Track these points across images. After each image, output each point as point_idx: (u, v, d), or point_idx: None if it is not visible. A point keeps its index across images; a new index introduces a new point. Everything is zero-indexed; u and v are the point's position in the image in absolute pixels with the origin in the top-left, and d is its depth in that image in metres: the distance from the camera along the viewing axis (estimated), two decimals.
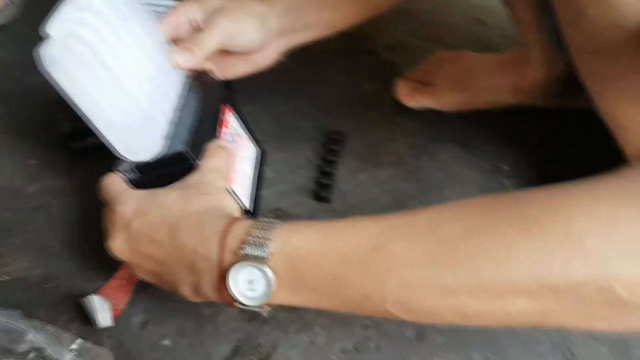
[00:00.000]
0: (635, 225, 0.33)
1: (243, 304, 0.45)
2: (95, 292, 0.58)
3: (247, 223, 0.46)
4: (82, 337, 0.53)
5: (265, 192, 0.70)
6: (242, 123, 0.65)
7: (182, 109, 0.56)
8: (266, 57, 0.67)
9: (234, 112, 0.63)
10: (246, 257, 0.43)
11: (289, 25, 0.65)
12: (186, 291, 0.48)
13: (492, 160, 0.77)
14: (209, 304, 0.59)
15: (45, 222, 0.66)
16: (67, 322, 0.57)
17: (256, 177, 0.65)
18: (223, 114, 0.60)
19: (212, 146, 0.54)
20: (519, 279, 0.36)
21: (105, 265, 0.62)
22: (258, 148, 0.67)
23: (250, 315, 0.58)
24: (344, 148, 0.77)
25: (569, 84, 0.79)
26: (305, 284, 0.43)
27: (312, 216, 0.69)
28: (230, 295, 0.44)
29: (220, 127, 0.58)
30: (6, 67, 0.86)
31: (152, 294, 0.59)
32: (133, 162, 0.53)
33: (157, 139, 0.52)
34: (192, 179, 0.52)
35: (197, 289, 0.47)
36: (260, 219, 0.46)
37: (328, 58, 0.94)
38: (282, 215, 0.69)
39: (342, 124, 0.81)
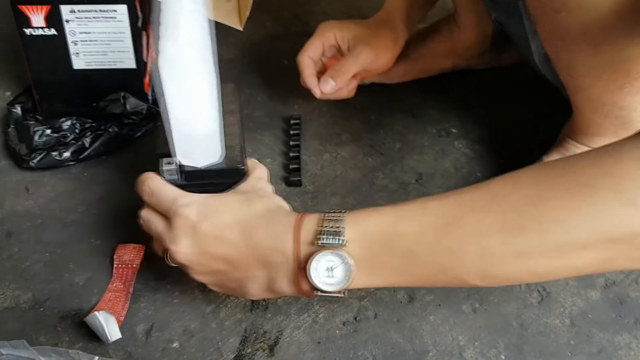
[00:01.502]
0: None
1: (324, 291, 0.48)
2: (94, 308, 0.58)
3: (316, 216, 0.49)
4: None
5: None
6: None
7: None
8: (389, 67, 0.80)
9: None
10: (324, 247, 0.47)
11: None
12: (254, 288, 0.51)
13: (440, 124, 0.82)
14: (209, 301, 0.60)
15: (21, 247, 0.64)
16: (71, 343, 0.56)
17: None
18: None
19: (251, 161, 0.58)
20: (586, 236, 0.41)
21: (94, 281, 0.62)
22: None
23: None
24: (303, 131, 0.79)
25: (497, 41, 0.86)
26: (382, 265, 0.47)
27: (287, 200, 0.70)
28: (310, 284, 0.48)
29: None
30: None
31: (151, 301, 0.60)
32: (185, 167, 0.55)
33: (219, 149, 0.55)
34: (244, 186, 0.55)
35: (270, 285, 0.50)
36: (326, 210, 0.49)
37: (267, 44, 0.95)
38: None
39: (295, 109, 0.83)
